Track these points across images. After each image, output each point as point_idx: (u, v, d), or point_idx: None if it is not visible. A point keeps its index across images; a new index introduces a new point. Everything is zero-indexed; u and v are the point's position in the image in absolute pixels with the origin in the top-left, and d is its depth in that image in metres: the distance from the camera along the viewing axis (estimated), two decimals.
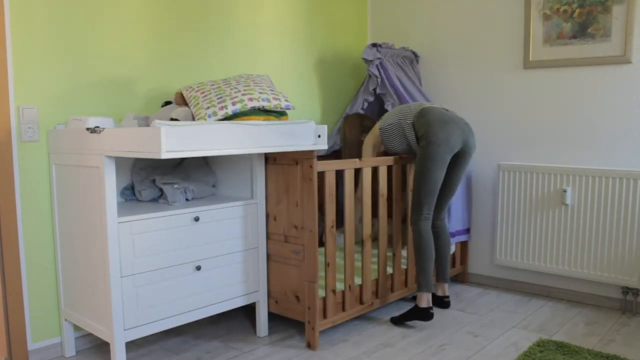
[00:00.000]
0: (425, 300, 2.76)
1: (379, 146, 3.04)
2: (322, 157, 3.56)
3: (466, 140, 2.80)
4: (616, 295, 3.05)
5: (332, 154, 3.60)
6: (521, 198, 3.24)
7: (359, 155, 3.26)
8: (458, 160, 2.85)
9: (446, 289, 3.06)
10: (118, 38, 2.59)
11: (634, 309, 2.97)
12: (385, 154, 3.14)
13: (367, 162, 2.74)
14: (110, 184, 2.07)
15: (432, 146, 2.70)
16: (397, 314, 2.99)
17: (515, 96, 3.33)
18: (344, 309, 2.68)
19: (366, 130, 3.28)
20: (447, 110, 2.84)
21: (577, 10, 3.05)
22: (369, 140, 3.04)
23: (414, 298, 3.22)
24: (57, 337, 2.48)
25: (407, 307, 3.10)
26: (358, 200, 3.19)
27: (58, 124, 2.40)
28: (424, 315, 2.75)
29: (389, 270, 3.02)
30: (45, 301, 2.43)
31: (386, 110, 3.55)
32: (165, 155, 1.91)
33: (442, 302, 3.06)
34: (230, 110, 2.25)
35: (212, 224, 2.42)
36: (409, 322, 2.84)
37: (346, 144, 3.33)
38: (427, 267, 2.77)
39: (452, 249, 3.34)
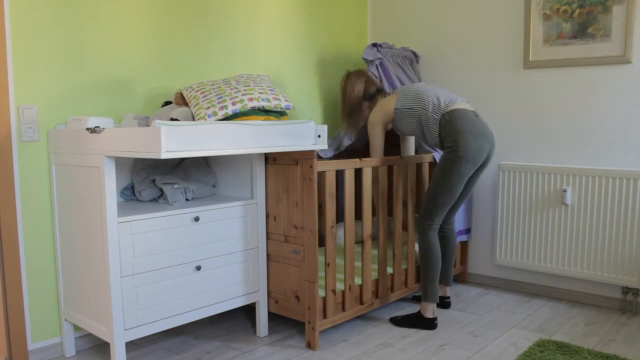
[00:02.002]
0: (430, 311, 2.77)
1: (387, 124, 2.87)
2: (320, 159, 3.56)
3: (490, 152, 2.72)
4: (616, 295, 3.05)
5: (333, 158, 3.60)
6: (521, 198, 3.24)
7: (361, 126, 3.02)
8: (478, 168, 2.78)
9: (447, 291, 3.08)
10: (118, 38, 2.59)
11: (634, 309, 2.97)
12: (391, 131, 2.99)
13: (367, 162, 2.74)
14: (110, 184, 2.07)
15: (460, 161, 2.60)
16: (398, 313, 2.99)
17: (515, 96, 3.33)
18: (344, 309, 2.68)
19: (368, 98, 2.97)
20: (476, 115, 2.69)
21: (577, 10, 3.05)
22: (379, 119, 2.83)
23: (415, 298, 3.21)
24: (57, 337, 2.48)
25: (407, 306, 3.10)
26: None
27: (58, 124, 2.40)
28: (429, 325, 2.76)
29: (389, 270, 3.02)
30: (45, 301, 2.43)
31: None
32: (165, 155, 1.91)
33: (442, 302, 3.07)
34: (230, 110, 2.25)
35: (212, 224, 2.42)
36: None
37: (350, 110, 3.00)
38: (434, 278, 2.75)
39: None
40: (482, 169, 2.79)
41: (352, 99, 2.97)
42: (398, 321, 2.82)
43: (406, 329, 2.77)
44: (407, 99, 2.78)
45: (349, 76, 3.02)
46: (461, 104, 2.70)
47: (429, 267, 2.75)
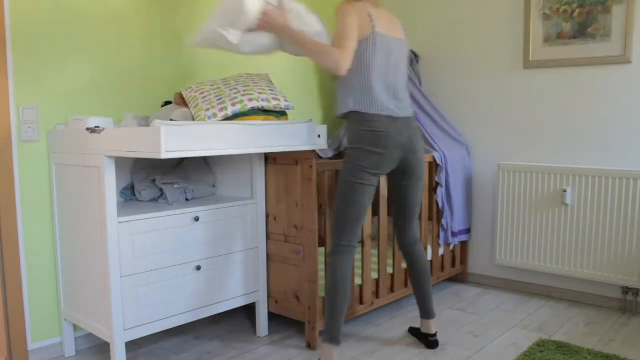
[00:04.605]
0: (328, 356, 2.22)
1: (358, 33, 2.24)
2: (320, 159, 3.56)
3: (405, 163, 2.32)
4: (616, 295, 3.05)
5: (333, 158, 3.60)
6: (521, 198, 3.24)
7: None
8: (405, 180, 2.37)
9: (432, 327, 2.52)
10: (118, 38, 2.59)
11: (634, 309, 2.97)
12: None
13: None
14: (110, 184, 2.07)
15: (351, 174, 2.22)
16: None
17: (515, 96, 3.33)
18: None
19: None
20: (394, 119, 2.24)
21: (577, 10, 3.05)
22: (354, 16, 2.20)
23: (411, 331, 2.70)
24: (57, 337, 2.48)
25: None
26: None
27: (58, 124, 2.40)
28: None
29: (389, 270, 3.02)
30: (45, 301, 2.43)
31: None
32: (165, 155, 1.91)
33: (427, 341, 2.53)
34: (230, 111, 2.25)
35: (212, 224, 2.42)
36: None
37: None
38: (335, 312, 2.21)
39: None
40: (411, 180, 2.37)
41: None
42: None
43: (405, 329, 2.77)
44: (364, 57, 2.22)
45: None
46: (389, 112, 2.22)
47: (331, 297, 2.22)
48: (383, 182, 2.87)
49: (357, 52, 2.22)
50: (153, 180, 2.56)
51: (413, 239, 2.50)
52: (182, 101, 2.50)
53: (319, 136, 2.46)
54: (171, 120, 2.35)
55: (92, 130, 2.11)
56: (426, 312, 2.53)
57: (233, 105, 2.27)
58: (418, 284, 2.52)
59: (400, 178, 2.39)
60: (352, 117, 2.26)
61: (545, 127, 3.23)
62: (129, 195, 2.58)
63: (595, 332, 2.71)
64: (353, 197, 2.23)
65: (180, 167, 2.68)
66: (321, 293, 2.61)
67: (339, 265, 2.23)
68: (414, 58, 3.65)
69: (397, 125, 2.26)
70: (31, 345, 2.40)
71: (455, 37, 3.55)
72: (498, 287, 3.46)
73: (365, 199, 2.25)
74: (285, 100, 2.41)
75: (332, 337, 2.22)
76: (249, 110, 2.31)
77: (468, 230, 3.50)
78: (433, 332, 2.53)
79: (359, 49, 2.22)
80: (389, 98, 2.29)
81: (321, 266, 3.01)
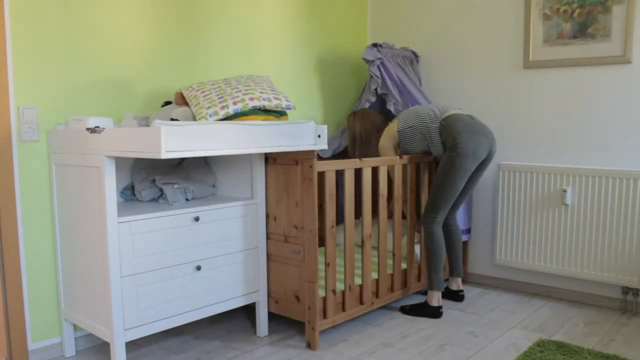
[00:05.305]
0: (436, 299, 2.93)
1: (396, 147, 3.09)
2: (320, 159, 3.55)
3: (490, 149, 2.91)
4: (616, 295, 3.05)
5: (333, 158, 3.60)
6: (521, 198, 3.24)
7: (375, 151, 3.24)
8: (479, 166, 2.95)
9: (460, 283, 3.19)
10: (118, 38, 2.59)
11: (634, 309, 2.97)
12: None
13: (367, 162, 2.74)
14: (110, 184, 2.07)
15: (460, 158, 2.79)
16: (407, 303, 3.04)
17: (515, 96, 3.33)
18: (344, 309, 2.68)
19: (376, 125, 3.28)
20: (472, 117, 2.89)
21: (577, 10, 3.05)
22: (388, 142, 3.06)
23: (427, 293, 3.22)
24: (57, 337, 2.48)
25: (417, 299, 3.09)
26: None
27: (58, 124, 2.40)
28: (435, 313, 2.91)
29: (389, 270, 3.02)
30: (45, 301, 2.43)
31: (388, 111, 3.54)
32: (165, 155, 1.91)
33: (456, 295, 3.18)
34: (231, 109, 2.25)
35: (212, 224, 2.42)
36: (417, 318, 2.91)
37: (361, 139, 3.29)
38: (438, 268, 2.92)
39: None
40: (484, 167, 2.96)
41: (368, 131, 3.27)
42: (406, 310, 2.96)
43: (406, 328, 2.77)
44: (407, 119, 3.01)
45: (355, 115, 3.32)
46: (455, 111, 2.93)
47: (434, 257, 2.91)
48: (383, 182, 2.87)
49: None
50: (153, 180, 2.55)
51: (456, 213, 3.14)
52: (182, 101, 2.50)
53: (319, 136, 2.46)
54: (172, 118, 2.35)
55: (92, 130, 2.11)
56: (457, 270, 3.17)
57: (235, 104, 2.27)
58: (452, 245, 3.15)
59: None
60: None
61: (546, 127, 3.23)
62: (129, 195, 2.58)
63: (595, 332, 2.71)
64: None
65: (180, 167, 2.68)
66: (322, 293, 2.61)
67: (435, 232, 2.91)
68: (414, 58, 3.65)
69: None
70: (31, 345, 2.40)
71: (455, 37, 3.55)
72: (498, 287, 3.46)
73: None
74: (287, 100, 2.41)
75: (438, 286, 2.92)
76: (250, 109, 2.31)
77: (468, 230, 3.50)
78: (461, 288, 3.19)
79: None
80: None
81: (321, 266, 3.01)
